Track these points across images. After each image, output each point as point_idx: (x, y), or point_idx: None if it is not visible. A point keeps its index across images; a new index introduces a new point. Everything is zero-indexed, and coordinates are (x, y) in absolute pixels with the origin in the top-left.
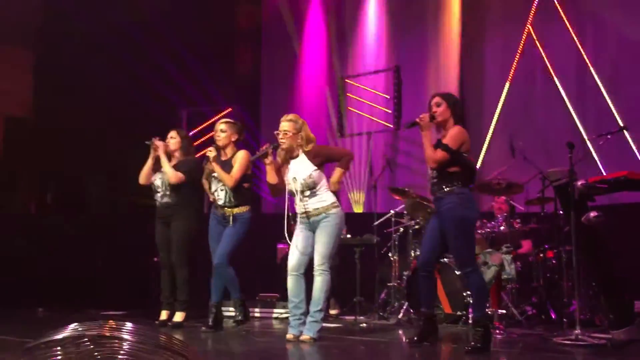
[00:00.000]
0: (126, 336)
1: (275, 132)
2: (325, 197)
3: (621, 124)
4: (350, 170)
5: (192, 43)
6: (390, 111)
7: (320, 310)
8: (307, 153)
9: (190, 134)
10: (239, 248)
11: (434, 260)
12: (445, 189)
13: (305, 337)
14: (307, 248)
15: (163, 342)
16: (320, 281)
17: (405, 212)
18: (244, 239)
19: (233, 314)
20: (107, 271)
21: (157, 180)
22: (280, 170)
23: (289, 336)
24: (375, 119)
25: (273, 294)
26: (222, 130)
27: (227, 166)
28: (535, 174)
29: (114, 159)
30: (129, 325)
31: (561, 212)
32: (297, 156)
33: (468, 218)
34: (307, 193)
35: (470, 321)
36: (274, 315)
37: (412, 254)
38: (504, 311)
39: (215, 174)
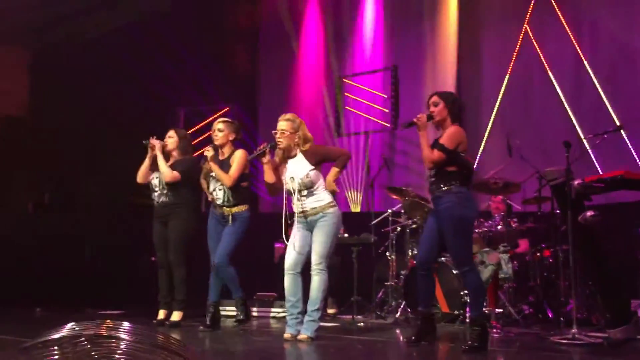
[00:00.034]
0: (123, 336)
1: (273, 131)
2: (322, 197)
3: (618, 123)
4: (346, 170)
5: (190, 42)
6: (387, 110)
7: (318, 309)
8: (304, 152)
9: (188, 133)
10: (238, 247)
11: (432, 259)
12: (443, 188)
13: (302, 336)
14: (304, 247)
15: (160, 342)
16: (317, 280)
17: (402, 211)
18: (244, 238)
19: (231, 313)
20: (105, 271)
21: (155, 180)
22: (277, 170)
23: (287, 335)
24: (372, 119)
25: (271, 294)
26: (220, 130)
27: (225, 165)
28: (532, 173)
29: (112, 158)
30: (126, 324)
31: (558, 211)
32: (294, 155)
33: (466, 217)
34: (305, 192)
35: (467, 320)
36: (272, 314)
37: (410, 253)
38: (501, 310)
39: (213, 174)
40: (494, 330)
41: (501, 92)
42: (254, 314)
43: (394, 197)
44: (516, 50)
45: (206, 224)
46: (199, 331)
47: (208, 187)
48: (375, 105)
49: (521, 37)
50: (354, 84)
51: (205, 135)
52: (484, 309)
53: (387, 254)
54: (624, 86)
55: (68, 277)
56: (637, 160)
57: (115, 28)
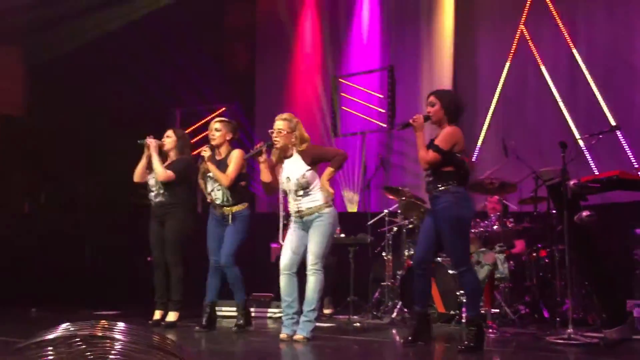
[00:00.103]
0: (118, 336)
1: (270, 130)
2: (318, 197)
3: (613, 124)
4: (343, 170)
5: (187, 42)
6: (384, 111)
7: (314, 309)
8: (300, 153)
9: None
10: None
11: (429, 259)
12: (441, 188)
13: (298, 336)
14: (300, 247)
15: (156, 342)
16: (313, 281)
17: (399, 211)
18: (248, 237)
19: (227, 313)
20: (101, 271)
21: (152, 180)
22: (274, 169)
23: (283, 336)
24: (369, 119)
25: (267, 294)
26: (217, 129)
27: (222, 165)
28: (528, 173)
29: (108, 158)
30: (121, 325)
31: (554, 211)
32: (291, 155)
33: (463, 217)
34: (301, 193)
35: (463, 320)
36: (269, 314)
37: (406, 254)
38: (497, 310)
39: (210, 174)
40: (490, 331)
41: (497, 93)
42: (251, 314)
43: (391, 197)
44: (512, 51)
45: (203, 224)
46: (195, 331)
47: (206, 188)
48: (372, 106)
49: (517, 37)
50: (351, 84)
51: (202, 135)
52: (480, 309)
53: (384, 254)
54: (619, 86)
55: (64, 277)
56: (633, 161)
57: (113, 28)
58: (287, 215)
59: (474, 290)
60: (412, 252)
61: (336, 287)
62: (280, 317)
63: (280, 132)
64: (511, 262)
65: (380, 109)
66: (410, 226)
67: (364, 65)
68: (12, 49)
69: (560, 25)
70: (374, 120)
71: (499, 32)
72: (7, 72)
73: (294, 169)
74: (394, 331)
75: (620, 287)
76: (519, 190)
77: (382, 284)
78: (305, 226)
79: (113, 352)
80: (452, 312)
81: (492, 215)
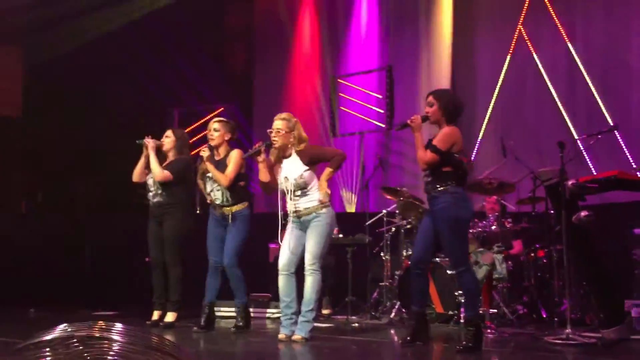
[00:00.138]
0: (116, 337)
1: (268, 130)
2: (316, 197)
3: (611, 124)
4: (341, 170)
5: (184, 42)
6: (382, 111)
7: (312, 310)
8: (299, 152)
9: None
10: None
11: (427, 259)
12: (439, 188)
13: (297, 337)
14: (298, 247)
15: (153, 343)
16: (311, 281)
17: (397, 211)
18: (249, 237)
19: (226, 314)
20: (99, 271)
21: (150, 180)
22: (272, 169)
23: (281, 336)
24: (367, 119)
25: (265, 294)
26: (216, 130)
27: (221, 166)
28: (527, 173)
29: (106, 158)
30: (118, 326)
31: (552, 211)
32: (289, 155)
33: (462, 218)
34: (298, 193)
35: (462, 320)
36: (267, 315)
37: (404, 254)
38: (495, 310)
39: (209, 174)
40: (488, 331)
41: (495, 93)
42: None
43: (389, 197)
44: (510, 51)
45: (202, 224)
46: (193, 332)
47: (205, 188)
48: (370, 106)
49: (515, 38)
50: (349, 84)
51: (200, 135)
52: (479, 309)
53: (382, 254)
54: (617, 87)
55: (62, 278)
56: (631, 161)
57: (112, 28)
58: (286, 215)
59: (473, 291)
60: (410, 253)
61: (334, 288)
62: (278, 318)
63: (279, 131)
64: (509, 262)
65: (378, 109)
66: (409, 226)
67: (363, 65)
68: (11, 49)
69: (559, 25)
70: (372, 121)
71: (498, 32)
72: (6, 73)
73: (292, 169)
74: (392, 331)
75: (619, 287)
76: (517, 190)
77: (381, 284)
78: (303, 226)
79: (111, 353)
80: (450, 313)
81: (490, 215)
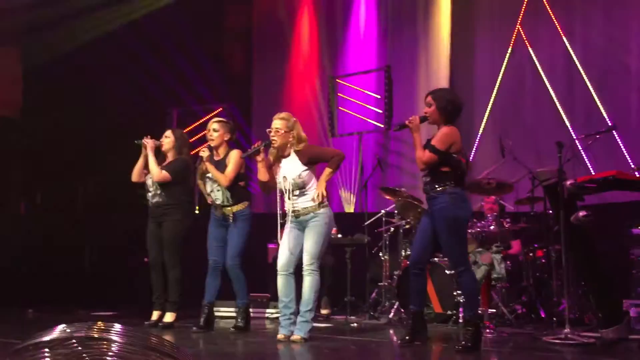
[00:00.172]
0: (115, 337)
1: (268, 129)
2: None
3: (610, 124)
4: (340, 170)
5: (183, 42)
6: (381, 111)
7: (311, 310)
8: (298, 152)
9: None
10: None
11: (425, 259)
12: (438, 189)
13: (296, 337)
14: (296, 247)
15: (152, 344)
16: (309, 281)
17: (395, 211)
18: (251, 236)
19: (225, 314)
20: (98, 271)
21: (149, 180)
22: (271, 168)
23: (280, 336)
24: (366, 119)
25: (264, 294)
26: (215, 130)
27: (220, 166)
28: (525, 173)
29: (104, 158)
30: (117, 326)
31: (550, 211)
32: (288, 155)
33: (460, 218)
34: (297, 192)
35: (460, 320)
36: (266, 315)
37: (403, 254)
38: (494, 310)
39: (209, 175)
40: (487, 331)
41: (494, 93)
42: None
43: (387, 197)
44: (509, 51)
45: (201, 224)
46: (192, 332)
47: (205, 189)
48: (369, 106)
49: (514, 38)
50: (348, 84)
51: (199, 135)
52: (478, 309)
53: (381, 254)
54: (616, 87)
55: (60, 278)
56: (629, 161)
57: (109, 29)
58: (284, 215)
59: (472, 291)
60: (409, 253)
61: (333, 288)
62: (277, 318)
63: (278, 131)
64: (508, 262)
65: (377, 110)
66: (407, 226)
67: (361, 65)
68: (10, 49)
69: (557, 25)
70: (371, 121)
71: (496, 32)
72: (5, 73)
73: (290, 169)
74: (391, 331)
75: (617, 287)
76: (515, 190)
77: (379, 284)
78: (301, 226)
79: (109, 353)
80: (449, 312)
81: (489, 215)
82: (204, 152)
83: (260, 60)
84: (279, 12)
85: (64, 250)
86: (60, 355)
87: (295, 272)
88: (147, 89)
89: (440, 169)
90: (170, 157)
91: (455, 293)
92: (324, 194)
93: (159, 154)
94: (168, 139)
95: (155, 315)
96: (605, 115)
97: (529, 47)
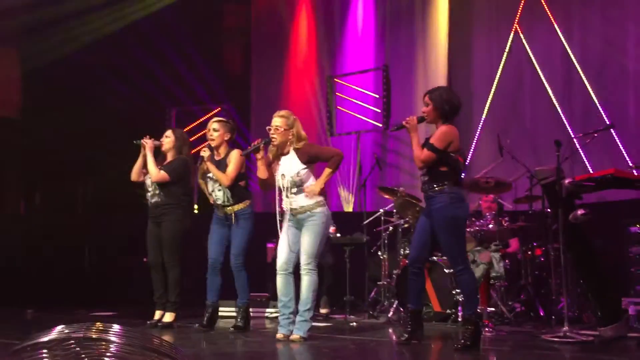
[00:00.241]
0: (113, 338)
1: (267, 127)
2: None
3: (607, 122)
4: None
5: (182, 42)
6: (379, 110)
7: (309, 309)
8: (297, 151)
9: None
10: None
11: (424, 258)
12: (436, 188)
13: (295, 336)
14: (295, 245)
15: (150, 344)
16: (307, 280)
17: (394, 211)
18: (253, 235)
19: (227, 314)
20: (97, 271)
21: (148, 180)
22: (270, 166)
23: (279, 335)
24: (364, 118)
25: (263, 294)
26: (215, 130)
27: (221, 166)
28: (523, 172)
29: (103, 158)
30: (115, 327)
31: (549, 210)
32: (287, 153)
33: (458, 217)
34: (294, 190)
35: (459, 319)
36: (266, 314)
37: (402, 253)
38: (493, 309)
39: (210, 174)
40: (486, 329)
41: (492, 92)
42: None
43: (386, 196)
44: (506, 50)
45: (200, 224)
46: (195, 330)
47: (207, 188)
48: (367, 105)
49: (511, 36)
50: (346, 83)
51: (197, 135)
52: (477, 308)
53: (379, 253)
54: (613, 85)
55: (59, 278)
56: (627, 159)
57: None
58: (282, 213)
59: (471, 290)
60: (408, 252)
61: (332, 287)
62: (276, 317)
63: (278, 129)
64: (507, 260)
65: (375, 109)
66: (406, 225)
67: (359, 64)
68: (9, 50)
69: (555, 24)
70: (369, 120)
71: (494, 31)
72: (5, 74)
73: (289, 167)
74: (390, 330)
75: (615, 285)
76: (513, 188)
77: (378, 283)
78: (299, 224)
79: (108, 354)
80: (448, 311)
81: (487, 214)
82: (205, 152)
83: (259, 60)
84: (277, 12)
85: (63, 250)
86: (58, 356)
87: (294, 272)
88: (146, 89)
89: (438, 168)
90: (170, 156)
91: (454, 292)
92: (316, 191)
93: (159, 154)
94: (168, 139)
95: (157, 314)
96: (603, 113)
97: (526, 46)
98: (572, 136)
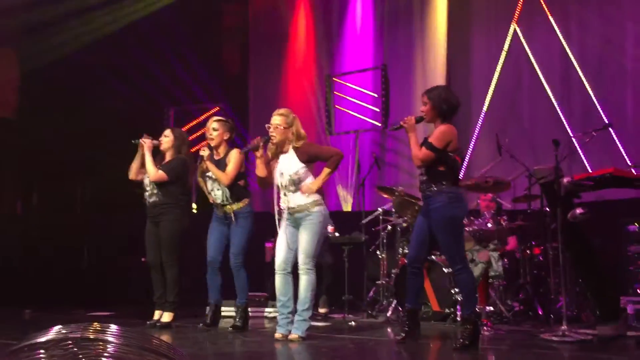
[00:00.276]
0: (110, 338)
1: (267, 125)
2: (309, 195)
3: (606, 121)
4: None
5: (179, 42)
6: (377, 109)
7: (308, 308)
8: (296, 149)
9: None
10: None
11: (422, 257)
12: (434, 188)
13: (293, 336)
14: (294, 243)
15: (148, 345)
16: (305, 280)
17: (393, 210)
18: (253, 234)
19: (229, 314)
20: (95, 271)
21: (146, 179)
22: (269, 164)
23: (278, 335)
24: (363, 117)
25: (262, 294)
26: (215, 129)
27: (221, 165)
28: (522, 171)
29: (102, 158)
30: (113, 327)
31: (547, 209)
32: (286, 151)
33: (457, 217)
34: (292, 189)
35: (458, 318)
36: (265, 314)
37: (400, 252)
38: (491, 308)
39: (209, 174)
40: (485, 328)
41: (490, 91)
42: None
43: (385, 196)
44: (505, 50)
45: (199, 224)
46: (195, 330)
47: (206, 188)
48: (366, 104)
49: (510, 36)
50: (344, 83)
51: (196, 134)
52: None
53: (378, 252)
54: (612, 84)
55: (57, 278)
56: (626, 158)
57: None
58: (281, 211)
59: (469, 289)
60: (406, 251)
61: (331, 286)
62: (275, 317)
63: (277, 127)
64: (505, 259)
65: (374, 108)
66: (405, 224)
67: (358, 64)
68: (7, 50)
69: (553, 23)
70: (367, 119)
71: (492, 31)
72: (3, 74)
73: (288, 165)
74: (389, 330)
75: (614, 284)
76: (512, 188)
77: (377, 282)
78: (297, 223)
79: (105, 354)
80: (446, 311)
81: (486, 213)
82: (205, 151)
83: (257, 60)
84: (275, 11)
85: (61, 250)
86: (55, 356)
87: (293, 271)
88: (145, 89)
89: (436, 168)
90: (168, 156)
91: (452, 291)
92: (313, 189)
93: (158, 153)
94: (167, 138)
95: (156, 315)
96: (601, 112)
97: (525, 46)
98: (571, 135)
